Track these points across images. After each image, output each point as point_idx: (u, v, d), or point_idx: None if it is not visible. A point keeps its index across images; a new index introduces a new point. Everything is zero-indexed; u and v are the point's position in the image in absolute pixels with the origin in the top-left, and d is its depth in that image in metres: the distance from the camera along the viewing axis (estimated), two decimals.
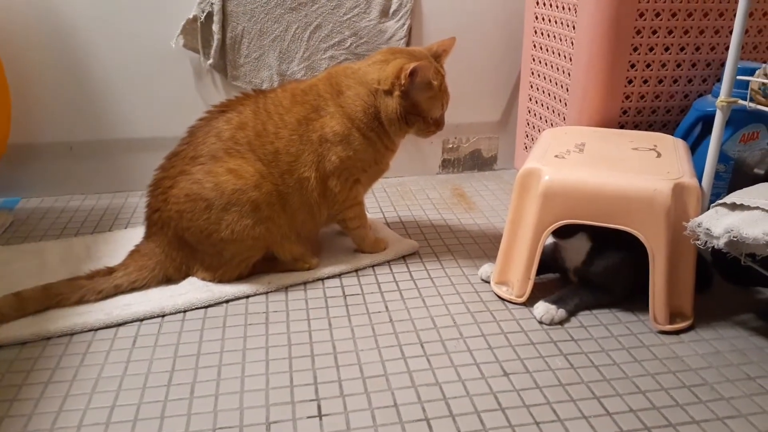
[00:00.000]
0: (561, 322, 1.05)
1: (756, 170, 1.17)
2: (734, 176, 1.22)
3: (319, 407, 0.86)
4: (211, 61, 1.52)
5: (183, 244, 1.14)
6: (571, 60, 1.36)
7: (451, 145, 1.75)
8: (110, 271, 1.12)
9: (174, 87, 1.55)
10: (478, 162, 1.80)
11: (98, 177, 1.60)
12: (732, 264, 1.10)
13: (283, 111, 1.16)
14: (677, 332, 1.03)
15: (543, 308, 1.06)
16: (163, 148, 1.20)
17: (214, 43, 1.50)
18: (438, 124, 1.20)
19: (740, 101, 1.00)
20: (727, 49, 1.30)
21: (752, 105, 1.02)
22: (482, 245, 1.34)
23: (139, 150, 1.59)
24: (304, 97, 1.18)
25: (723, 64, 1.29)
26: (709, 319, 1.06)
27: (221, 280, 1.15)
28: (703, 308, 1.07)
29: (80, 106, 1.53)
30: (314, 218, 1.20)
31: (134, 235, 1.27)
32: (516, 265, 1.10)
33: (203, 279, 1.16)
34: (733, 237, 0.89)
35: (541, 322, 1.05)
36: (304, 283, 1.18)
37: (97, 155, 1.58)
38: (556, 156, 1.09)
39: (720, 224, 0.92)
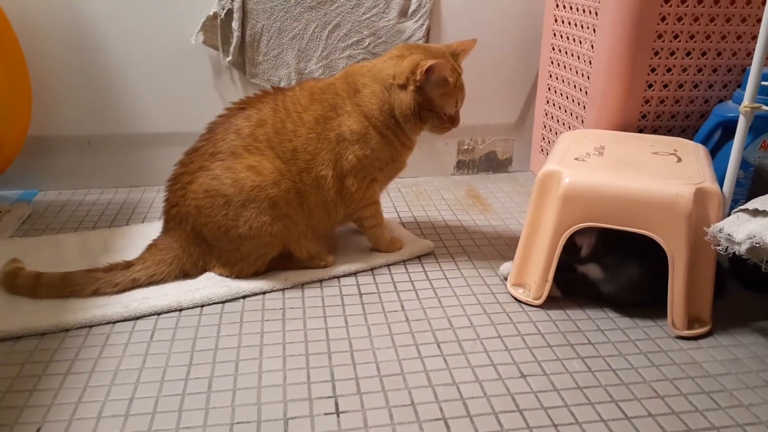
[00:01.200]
0: None
1: None
2: (754, 183, 1.21)
3: (336, 404, 0.86)
4: (230, 58, 1.52)
5: (200, 240, 1.14)
6: (590, 63, 1.36)
7: (466, 147, 1.75)
8: (128, 264, 1.13)
9: (193, 83, 1.56)
10: (493, 164, 1.79)
11: (116, 171, 1.61)
12: (750, 271, 1.09)
13: (301, 109, 1.17)
14: (695, 338, 1.02)
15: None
16: (181, 143, 1.20)
17: (234, 41, 1.51)
18: (453, 121, 1.19)
19: (764, 107, 1.00)
20: (748, 54, 1.30)
21: None
22: (498, 247, 1.34)
23: (157, 145, 1.59)
24: (321, 96, 1.18)
25: (744, 70, 1.28)
26: (728, 326, 1.06)
27: (238, 276, 1.16)
28: (722, 314, 1.06)
29: (99, 101, 1.54)
30: (330, 216, 1.21)
31: (151, 229, 1.27)
32: (534, 267, 1.10)
33: (220, 274, 1.16)
34: (756, 243, 0.89)
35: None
36: (320, 281, 1.18)
37: (115, 149, 1.59)
38: (576, 159, 1.09)
39: (742, 230, 0.92)
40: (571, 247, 1.06)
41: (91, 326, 1.02)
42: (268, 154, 1.13)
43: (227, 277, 1.16)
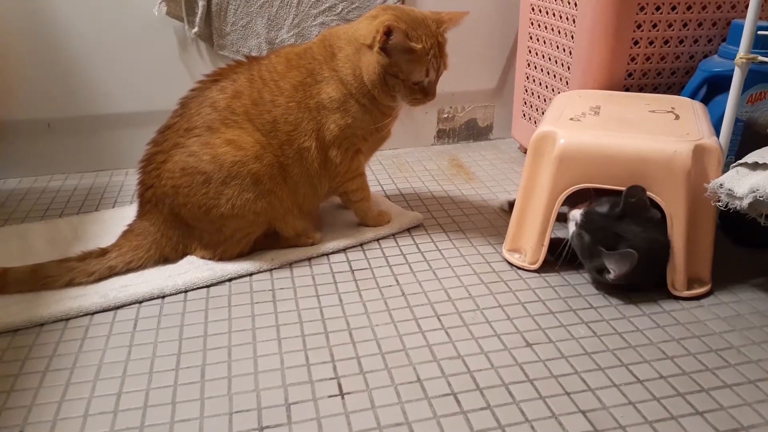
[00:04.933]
0: None
1: None
2: (744, 137, 1.20)
3: (339, 385, 0.82)
4: (196, 29, 1.44)
5: (179, 222, 1.08)
6: (574, 22, 1.32)
7: (446, 115, 1.71)
8: (103, 252, 1.06)
9: (157, 58, 1.47)
10: (474, 132, 1.75)
11: (80, 155, 1.51)
12: (742, 226, 1.08)
13: (278, 77, 1.10)
14: (696, 298, 1.01)
15: None
16: (147, 123, 1.13)
17: (199, 10, 1.42)
18: (425, 92, 1.09)
19: (760, 58, 0.97)
20: (733, 7, 1.28)
21: None
22: (486, 215, 1.31)
23: (122, 126, 1.50)
24: (298, 62, 1.11)
25: (729, 23, 1.26)
26: (726, 283, 1.05)
27: (222, 258, 1.10)
28: (719, 271, 1.05)
29: (57, 80, 1.44)
30: (316, 191, 1.15)
31: (123, 214, 1.21)
32: (529, 231, 1.07)
33: (202, 257, 1.10)
34: (760, 197, 0.87)
35: None
36: (309, 259, 1.13)
37: (77, 132, 1.49)
38: (571, 119, 1.06)
39: (743, 184, 0.90)
40: None
41: (67, 319, 0.95)
42: (247, 126, 1.06)
43: (210, 259, 1.10)
